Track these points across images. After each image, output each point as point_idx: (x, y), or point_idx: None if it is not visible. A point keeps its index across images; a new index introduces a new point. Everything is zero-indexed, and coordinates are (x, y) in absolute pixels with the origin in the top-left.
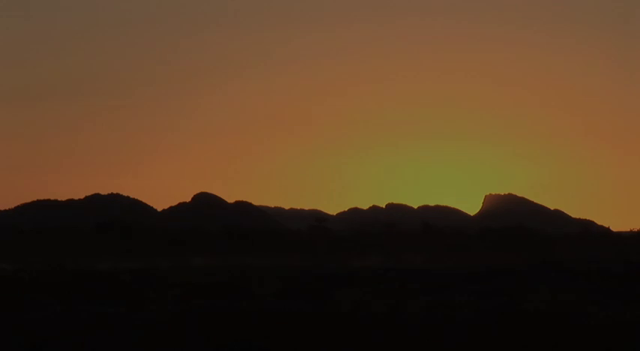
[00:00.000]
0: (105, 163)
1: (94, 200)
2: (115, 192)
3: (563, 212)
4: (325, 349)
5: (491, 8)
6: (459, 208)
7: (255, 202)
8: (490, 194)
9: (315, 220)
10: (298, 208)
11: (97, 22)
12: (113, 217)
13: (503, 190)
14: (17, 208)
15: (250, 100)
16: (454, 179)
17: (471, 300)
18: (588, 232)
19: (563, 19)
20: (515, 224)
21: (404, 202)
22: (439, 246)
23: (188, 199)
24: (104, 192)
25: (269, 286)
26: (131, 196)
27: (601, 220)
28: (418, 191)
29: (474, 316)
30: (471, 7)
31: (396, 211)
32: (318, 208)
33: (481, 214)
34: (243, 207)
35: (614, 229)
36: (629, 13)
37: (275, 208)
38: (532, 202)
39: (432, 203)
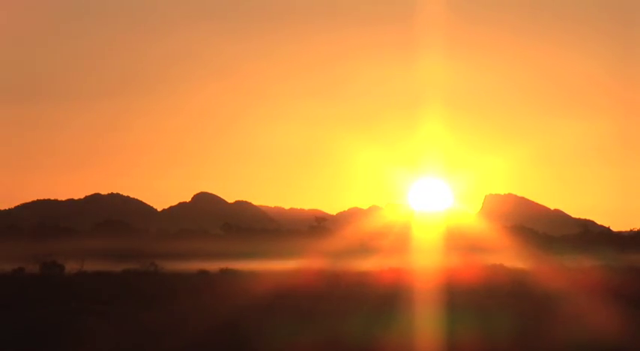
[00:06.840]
0: (105, 163)
1: (94, 200)
2: (115, 192)
3: (563, 212)
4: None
5: (504, 11)
6: (459, 208)
7: (255, 202)
8: (490, 194)
9: (315, 220)
10: (298, 208)
11: (98, 21)
12: (113, 217)
13: (503, 190)
14: (17, 208)
15: (250, 101)
16: (454, 179)
17: None
18: (588, 232)
19: (565, 20)
20: (515, 224)
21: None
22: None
23: (188, 199)
24: (104, 192)
25: (268, 286)
26: (131, 196)
27: (601, 220)
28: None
29: None
30: (477, 7)
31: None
32: (318, 208)
33: (481, 214)
34: (242, 207)
35: (614, 229)
36: (626, 16)
37: (275, 208)
38: (532, 202)
39: (430, 203)
